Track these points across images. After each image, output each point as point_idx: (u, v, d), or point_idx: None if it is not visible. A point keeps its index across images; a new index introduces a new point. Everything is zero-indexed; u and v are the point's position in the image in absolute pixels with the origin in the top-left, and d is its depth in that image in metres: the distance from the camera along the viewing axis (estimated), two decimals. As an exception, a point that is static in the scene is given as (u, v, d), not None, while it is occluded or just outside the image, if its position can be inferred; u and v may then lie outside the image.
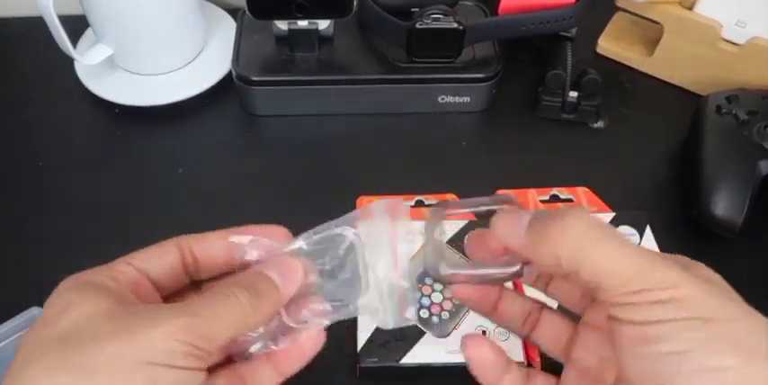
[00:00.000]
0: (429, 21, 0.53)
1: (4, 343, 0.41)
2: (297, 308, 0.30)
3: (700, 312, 0.23)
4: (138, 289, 0.29)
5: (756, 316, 0.25)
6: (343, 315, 0.30)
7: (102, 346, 0.24)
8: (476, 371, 0.30)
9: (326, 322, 0.30)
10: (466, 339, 0.30)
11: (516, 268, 0.29)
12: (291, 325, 0.30)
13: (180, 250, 0.31)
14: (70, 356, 0.24)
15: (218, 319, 0.26)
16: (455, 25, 0.53)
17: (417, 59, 0.55)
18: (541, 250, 0.26)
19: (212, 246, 0.31)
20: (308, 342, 0.30)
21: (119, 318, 0.25)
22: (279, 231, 0.31)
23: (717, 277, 0.27)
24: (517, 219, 0.28)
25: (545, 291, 0.32)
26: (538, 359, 0.42)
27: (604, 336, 0.28)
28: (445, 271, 0.29)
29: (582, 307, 0.31)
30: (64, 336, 0.25)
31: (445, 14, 0.53)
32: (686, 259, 0.27)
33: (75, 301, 0.26)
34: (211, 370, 0.29)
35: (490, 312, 0.32)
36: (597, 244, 0.25)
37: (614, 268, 0.24)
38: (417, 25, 0.53)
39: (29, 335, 0.26)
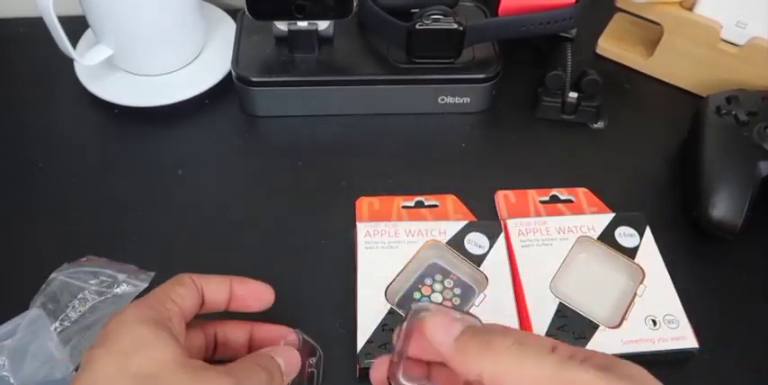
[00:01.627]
0: (429, 21, 0.53)
1: (4, 343, 0.41)
2: None
3: None
4: (180, 325, 0.34)
5: None
6: None
7: None
8: None
9: None
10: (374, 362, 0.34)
11: None
12: None
13: (199, 288, 0.37)
14: None
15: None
16: (455, 26, 0.53)
17: (417, 60, 0.55)
18: (466, 363, 0.28)
19: (217, 288, 0.38)
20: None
21: (190, 371, 0.30)
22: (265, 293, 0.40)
23: (640, 372, 0.27)
24: (447, 328, 0.30)
25: None
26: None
27: None
28: (401, 381, 0.31)
29: None
30: (144, 376, 0.29)
31: (445, 15, 0.53)
32: (610, 357, 0.28)
33: (151, 342, 0.31)
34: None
35: None
36: (519, 359, 0.27)
37: (534, 376, 0.26)
38: (417, 26, 0.53)
39: (99, 354, 0.30)
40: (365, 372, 0.42)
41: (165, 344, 0.31)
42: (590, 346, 0.42)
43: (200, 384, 0.30)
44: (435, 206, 0.51)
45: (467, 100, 0.57)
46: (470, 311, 0.44)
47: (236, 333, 0.39)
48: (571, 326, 0.43)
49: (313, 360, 0.41)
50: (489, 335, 0.28)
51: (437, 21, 0.53)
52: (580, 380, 0.26)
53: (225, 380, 0.31)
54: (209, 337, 0.38)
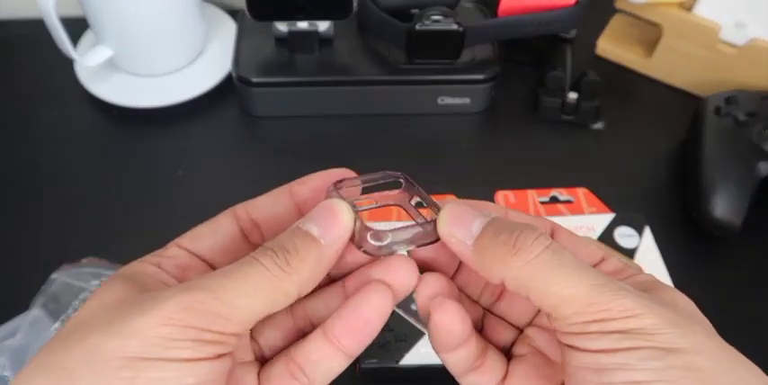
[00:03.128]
0: (429, 22, 0.53)
1: (5, 343, 0.41)
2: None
3: (660, 342, 0.21)
4: (187, 273, 0.25)
5: (723, 346, 0.23)
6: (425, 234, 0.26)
7: (87, 342, 0.21)
8: (436, 338, 0.26)
9: (407, 247, 0.26)
10: (438, 302, 0.25)
11: (429, 226, 0.26)
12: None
13: (236, 220, 0.27)
14: (56, 355, 0.21)
15: (236, 292, 0.22)
16: (455, 27, 0.53)
17: (417, 61, 0.56)
18: (487, 268, 0.24)
19: (274, 208, 0.27)
20: (369, 310, 0.24)
21: (121, 308, 0.22)
22: (344, 173, 0.27)
23: (685, 302, 0.25)
24: (467, 223, 0.25)
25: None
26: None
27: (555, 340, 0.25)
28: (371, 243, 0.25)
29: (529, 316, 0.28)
30: (70, 330, 0.22)
31: (445, 16, 0.53)
32: (653, 281, 0.25)
33: (99, 292, 0.23)
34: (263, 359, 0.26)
35: (452, 276, 0.28)
36: (549, 271, 0.23)
37: (567, 297, 0.22)
38: (417, 27, 0.53)
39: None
40: (365, 373, 0.42)
41: (107, 291, 0.23)
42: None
43: (126, 319, 0.21)
44: (435, 206, 0.51)
45: (467, 100, 0.58)
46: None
47: (278, 204, 0.28)
48: (571, 327, 0.43)
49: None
50: (518, 234, 0.23)
51: (437, 22, 0.53)
52: (625, 304, 0.22)
53: (172, 302, 0.21)
54: (246, 226, 0.28)
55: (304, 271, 0.23)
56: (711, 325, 0.24)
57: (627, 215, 0.49)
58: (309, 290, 0.24)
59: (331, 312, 0.25)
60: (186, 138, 0.57)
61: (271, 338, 0.26)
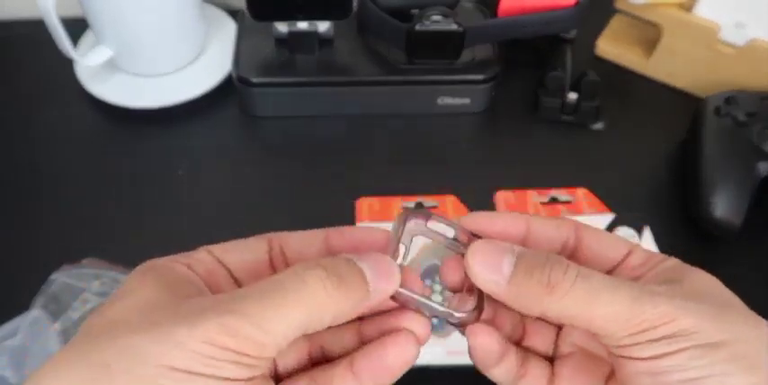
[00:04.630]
0: (428, 23, 0.53)
1: (5, 343, 0.41)
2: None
3: (703, 339, 0.23)
4: (214, 278, 0.26)
5: (758, 326, 0.25)
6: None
7: (129, 342, 0.21)
8: (477, 358, 0.27)
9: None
10: (473, 328, 0.27)
11: (463, 315, 0.26)
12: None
13: (269, 246, 0.27)
14: (90, 351, 0.21)
15: (275, 317, 0.21)
16: (455, 27, 0.53)
17: (417, 61, 0.56)
18: (524, 307, 0.25)
19: (308, 247, 0.27)
20: (396, 359, 0.25)
21: (160, 312, 0.22)
22: (379, 239, 0.28)
23: (712, 284, 0.26)
24: (497, 262, 0.25)
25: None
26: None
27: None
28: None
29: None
30: (105, 327, 0.22)
31: (445, 16, 0.53)
32: (679, 265, 0.27)
33: (131, 289, 0.23)
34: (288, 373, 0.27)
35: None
36: (586, 298, 0.24)
37: (609, 317, 0.24)
38: (417, 27, 0.53)
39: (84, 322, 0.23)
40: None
41: (143, 289, 0.23)
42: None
43: (169, 326, 0.21)
44: (435, 207, 0.51)
45: (466, 101, 0.58)
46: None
47: (312, 247, 0.27)
48: (571, 327, 0.43)
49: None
50: (549, 271, 0.24)
51: (437, 22, 0.53)
52: (663, 311, 0.23)
53: (214, 321, 0.21)
54: (275, 255, 0.27)
55: (347, 302, 0.23)
56: (738, 298, 0.27)
57: (627, 215, 0.49)
58: (340, 323, 0.24)
59: (342, 346, 0.27)
60: (186, 138, 0.57)
61: (288, 358, 0.27)
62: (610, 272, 0.27)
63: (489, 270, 0.25)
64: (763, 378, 0.23)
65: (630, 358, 0.24)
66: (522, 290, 0.24)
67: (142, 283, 0.24)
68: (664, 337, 0.23)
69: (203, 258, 0.26)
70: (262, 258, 0.27)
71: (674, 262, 0.27)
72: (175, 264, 0.25)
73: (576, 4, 0.54)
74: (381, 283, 0.24)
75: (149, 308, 0.22)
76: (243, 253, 0.27)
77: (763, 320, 0.25)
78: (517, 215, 0.28)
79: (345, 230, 0.27)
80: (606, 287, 0.24)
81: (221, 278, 0.26)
